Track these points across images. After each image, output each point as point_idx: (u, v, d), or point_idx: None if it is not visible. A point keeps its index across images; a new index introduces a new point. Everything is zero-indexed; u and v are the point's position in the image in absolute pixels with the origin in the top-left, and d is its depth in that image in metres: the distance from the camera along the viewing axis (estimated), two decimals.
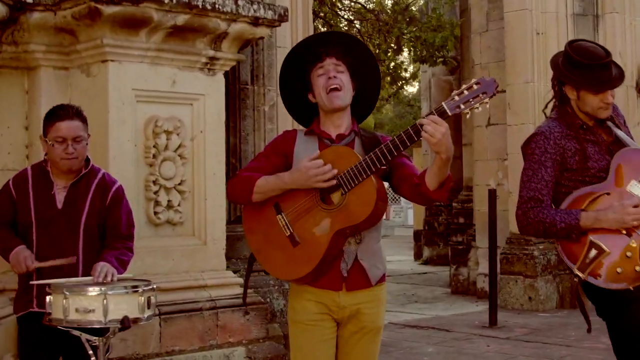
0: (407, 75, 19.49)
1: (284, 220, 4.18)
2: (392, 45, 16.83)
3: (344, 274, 4.16)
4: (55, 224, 4.81)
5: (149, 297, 4.47)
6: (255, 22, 7.01)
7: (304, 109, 4.47)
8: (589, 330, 4.49)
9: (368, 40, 17.53)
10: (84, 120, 4.90)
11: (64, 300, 4.29)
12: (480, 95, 3.77)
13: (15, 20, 6.41)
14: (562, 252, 4.42)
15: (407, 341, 9.57)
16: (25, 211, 4.83)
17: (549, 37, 12.47)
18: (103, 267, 4.62)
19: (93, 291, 4.32)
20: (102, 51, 6.42)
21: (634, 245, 4.22)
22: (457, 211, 15.74)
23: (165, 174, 6.70)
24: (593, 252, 4.28)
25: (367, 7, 18.27)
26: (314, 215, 4.12)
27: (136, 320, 4.39)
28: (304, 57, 4.39)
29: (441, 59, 16.52)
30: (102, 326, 4.33)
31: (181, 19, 6.58)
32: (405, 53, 17.62)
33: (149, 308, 4.47)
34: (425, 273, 17.97)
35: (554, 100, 4.70)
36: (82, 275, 4.74)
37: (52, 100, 6.58)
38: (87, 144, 4.91)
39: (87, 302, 4.30)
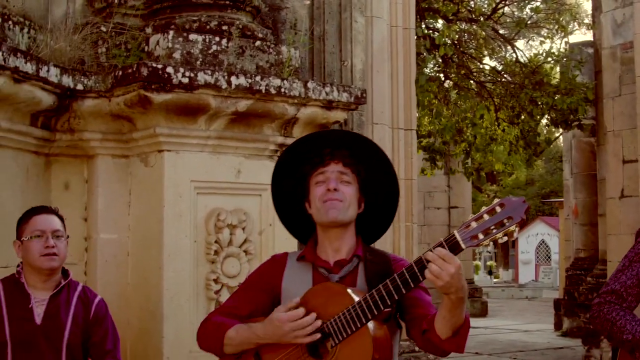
0: (542, 139, 18.63)
1: None
2: (526, 108, 16.05)
3: None
4: (34, 342, 4.34)
5: None
6: (329, 105, 6.44)
7: (302, 220, 3.76)
8: None
9: (500, 103, 16.85)
10: (61, 218, 4.57)
11: None
12: (505, 221, 3.01)
13: (67, 108, 6.05)
14: None
15: None
16: None
17: None
18: None
19: None
20: (156, 140, 5.98)
21: None
22: (592, 286, 14.81)
23: (228, 272, 6.16)
24: None
25: (498, 69, 17.59)
26: None
27: None
28: (304, 157, 3.66)
29: (576, 123, 15.66)
30: None
31: (243, 104, 6.08)
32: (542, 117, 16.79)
33: None
34: (562, 348, 16.96)
35: None
36: None
37: (111, 190, 6.27)
38: (67, 244, 4.53)
39: None
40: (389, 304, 3.26)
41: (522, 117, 16.44)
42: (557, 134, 34.43)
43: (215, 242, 6.12)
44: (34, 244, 4.43)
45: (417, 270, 3.17)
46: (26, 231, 4.48)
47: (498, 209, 3.05)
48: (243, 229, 6.23)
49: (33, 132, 5.99)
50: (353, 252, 3.62)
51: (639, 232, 3.93)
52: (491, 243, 3.10)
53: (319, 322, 3.37)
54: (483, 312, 25.76)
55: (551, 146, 43.95)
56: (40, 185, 6.17)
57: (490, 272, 45.87)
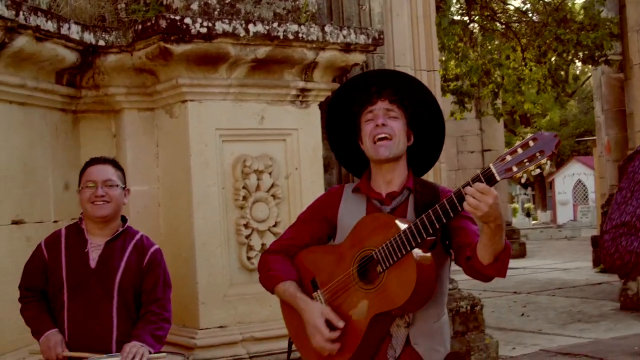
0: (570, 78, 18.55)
1: (320, 299, 3.74)
2: (552, 46, 15.99)
3: None
4: (88, 285, 4.54)
5: None
6: (347, 48, 6.52)
7: (356, 155, 3.95)
8: None
9: (526, 43, 16.79)
10: (117, 167, 4.73)
11: None
12: (537, 154, 3.15)
13: (90, 64, 6.18)
14: None
15: None
16: (56, 272, 4.59)
17: None
18: (132, 348, 4.33)
19: None
20: (179, 91, 6.10)
21: None
22: None
23: (257, 216, 6.29)
24: None
25: (522, 8, 17.51)
26: (351, 295, 3.64)
27: None
28: (353, 98, 3.84)
29: (603, 58, 15.58)
30: None
31: (262, 51, 6.17)
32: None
33: None
34: (600, 284, 16.99)
35: None
36: (117, 344, 4.48)
37: (138, 143, 6.41)
38: (124, 194, 4.71)
39: None
40: (431, 232, 3.44)
41: (549, 55, 16.37)
42: (589, 73, 34.18)
43: (243, 187, 6.25)
44: (86, 194, 4.62)
45: (456, 202, 3.34)
46: (82, 181, 4.68)
47: (531, 143, 3.18)
48: (270, 173, 6.35)
49: (59, 89, 6.13)
50: (404, 184, 3.81)
51: (623, 166, 3.83)
52: (524, 176, 3.26)
53: (337, 346, 3.64)
54: (521, 253, 25.79)
55: (584, 85, 43.66)
56: (69, 142, 6.33)
57: (528, 214, 45.83)
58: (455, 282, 8.92)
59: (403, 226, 3.51)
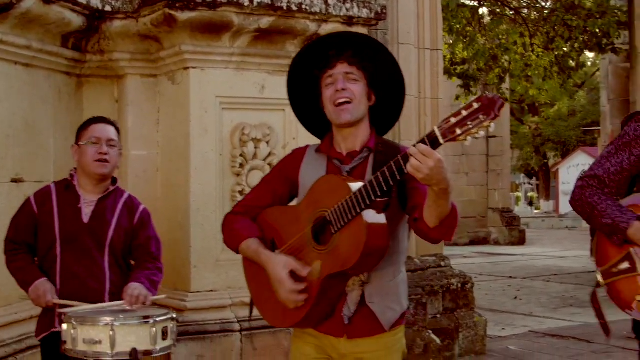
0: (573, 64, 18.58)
1: None
2: (559, 32, 16.03)
3: (345, 321, 3.68)
4: (81, 239, 4.64)
5: (165, 327, 4.20)
6: (349, 21, 6.61)
7: (319, 118, 3.92)
8: (607, 335, 4.20)
9: (535, 29, 16.84)
10: (117, 129, 4.84)
11: (73, 330, 4.09)
12: (480, 116, 3.05)
13: (97, 29, 6.29)
14: (595, 247, 4.02)
15: (540, 353, 9.05)
16: (48, 227, 4.68)
17: None
18: (135, 290, 4.48)
19: (100, 322, 4.08)
20: (182, 58, 6.22)
21: None
22: None
23: (253, 184, 6.32)
24: (625, 265, 3.87)
25: None
26: (305, 256, 3.66)
27: (147, 353, 4.12)
28: (313, 62, 3.82)
29: (610, 47, 15.62)
30: (110, 359, 4.05)
31: (265, 21, 6.27)
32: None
33: (164, 339, 4.19)
34: (595, 271, 17.06)
35: None
36: (110, 295, 4.62)
37: (140, 109, 6.52)
38: (119, 154, 4.81)
39: (95, 333, 4.06)
40: (379, 194, 3.42)
41: (557, 42, 16.39)
42: (598, 64, 34.14)
43: (241, 155, 6.37)
44: (89, 149, 4.69)
45: (402, 163, 3.30)
46: (84, 137, 4.75)
47: (475, 105, 3.11)
48: (267, 142, 6.47)
49: (64, 53, 6.23)
50: (364, 144, 3.81)
51: (625, 120, 4.04)
52: (469, 139, 3.12)
53: (303, 297, 3.62)
54: (521, 241, 25.96)
55: (594, 76, 43.61)
56: (72, 105, 6.43)
57: (531, 203, 45.88)
58: (447, 260, 9.05)
59: (355, 188, 3.49)
